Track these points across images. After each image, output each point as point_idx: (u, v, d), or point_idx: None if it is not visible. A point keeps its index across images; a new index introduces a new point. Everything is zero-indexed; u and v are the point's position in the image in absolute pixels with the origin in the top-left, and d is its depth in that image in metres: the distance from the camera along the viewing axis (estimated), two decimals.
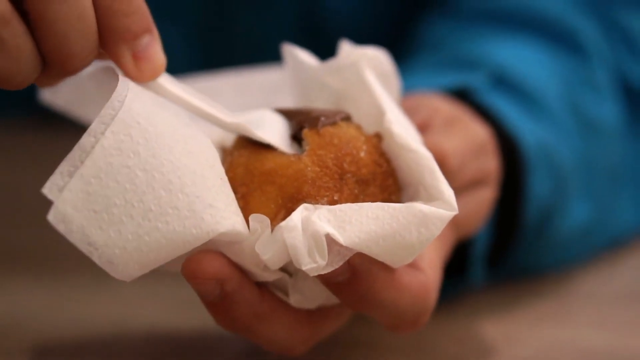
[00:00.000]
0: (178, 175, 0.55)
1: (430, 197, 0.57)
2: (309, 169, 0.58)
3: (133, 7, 0.55)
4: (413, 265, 0.59)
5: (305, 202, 0.57)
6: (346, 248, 0.55)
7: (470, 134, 0.70)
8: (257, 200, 0.58)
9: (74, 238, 0.54)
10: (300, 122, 0.60)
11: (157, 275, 0.79)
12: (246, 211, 0.58)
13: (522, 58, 0.82)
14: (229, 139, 0.63)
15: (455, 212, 0.56)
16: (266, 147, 0.59)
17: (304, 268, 0.54)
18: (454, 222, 0.65)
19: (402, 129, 0.59)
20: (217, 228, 0.55)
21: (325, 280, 0.57)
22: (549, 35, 0.85)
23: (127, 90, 0.55)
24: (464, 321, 0.75)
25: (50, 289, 0.78)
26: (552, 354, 0.72)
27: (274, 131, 0.60)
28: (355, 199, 0.58)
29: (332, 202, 0.57)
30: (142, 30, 0.56)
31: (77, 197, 0.53)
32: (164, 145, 0.55)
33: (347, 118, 0.61)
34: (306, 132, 0.59)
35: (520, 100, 0.79)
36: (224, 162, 0.61)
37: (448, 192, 0.56)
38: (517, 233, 0.76)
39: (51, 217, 0.53)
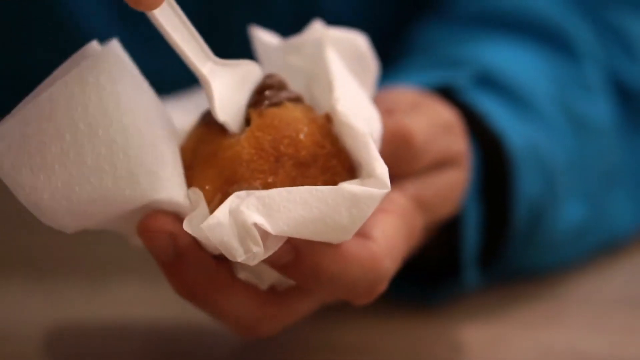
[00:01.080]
0: (125, 136, 0.55)
1: (367, 175, 0.57)
2: (245, 151, 0.58)
3: None
4: (362, 235, 0.59)
5: (240, 184, 0.57)
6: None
7: (436, 114, 0.69)
8: (198, 184, 0.59)
9: (3, 174, 0.54)
10: (255, 94, 0.60)
11: (154, 276, 0.79)
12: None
13: (511, 58, 0.82)
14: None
15: (386, 189, 0.55)
16: (215, 127, 0.60)
17: (239, 260, 0.54)
18: (421, 203, 0.65)
19: (347, 107, 0.59)
20: (153, 194, 0.56)
21: (271, 263, 0.57)
22: (540, 36, 0.84)
23: (104, 50, 0.56)
24: (458, 325, 0.75)
25: (47, 291, 0.78)
26: (547, 358, 0.72)
27: (234, 98, 0.60)
28: (292, 182, 0.58)
29: (266, 185, 0.57)
30: None
31: (12, 137, 0.54)
32: (120, 107, 0.55)
33: (297, 99, 0.61)
34: (250, 112, 0.60)
35: (508, 100, 0.79)
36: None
37: (380, 170, 0.56)
38: (508, 233, 0.76)
39: None
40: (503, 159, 0.75)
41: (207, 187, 0.58)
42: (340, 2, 0.97)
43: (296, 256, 0.57)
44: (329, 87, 0.60)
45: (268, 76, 0.61)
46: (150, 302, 0.77)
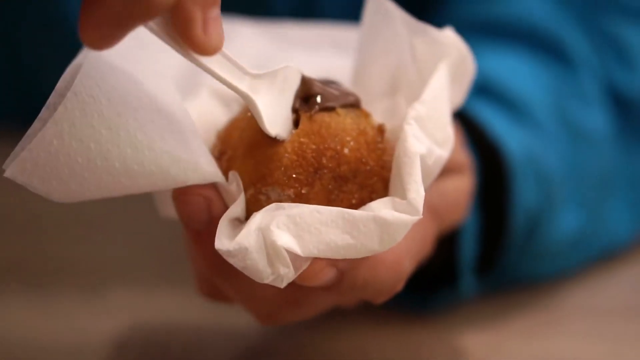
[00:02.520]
0: (144, 131, 0.55)
1: (403, 195, 0.56)
2: (287, 155, 0.57)
3: None
4: None
5: (274, 187, 0.57)
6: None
7: None
8: (236, 169, 0.58)
9: (34, 188, 0.55)
10: (302, 97, 0.59)
11: (151, 285, 0.79)
12: (226, 175, 0.58)
13: (508, 67, 0.82)
14: None
15: (419, 216, 0.55)
16: None
17: (266, 281, 0.54)
18: (432, 210, 0.65)
19: (418, 120, 0.58)
20: (186, 180, 0.56)
21: (314, 284, 0.57)
22: (536, 45, 0.85)
23: (84, 58, 0.55)
24: (456, 333, 0.75)
25: (43, 303, 0.78)
26: None
27: (280, 107, 0.59)
28: (327, 195, 0.57)
29: (299, 195, 0.57)
30: (217, 1, 0.52)
31: (37, 156, 0.54)
32: (129, 104, 0.55)
33: (352, 104, 0.60)
34: (301, 114, 0.58)
35: (505, 109, 0.79)
36: (240, 112, 0.61)
37: (413, 195, 0.55)
38: (505, 241, 0.76)
39: (8, 173, 0.54)
40: (501, 167, 0.76)
41: (243, 177, 0.58)
42: (339, 5, 0.97)
43: (339, 276, 0.57)
44: (418, 92, 0.60)
45: (324, 82, 0.60)
46: (145, 312, 0.77)
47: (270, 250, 0.54)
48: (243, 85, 0.57)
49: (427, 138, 0.58)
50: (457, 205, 0.69)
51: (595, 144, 0.83)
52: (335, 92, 0.60)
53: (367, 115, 0.60)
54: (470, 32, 0.86)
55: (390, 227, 0.55)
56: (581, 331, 0.76)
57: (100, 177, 0.55)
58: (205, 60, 0.55)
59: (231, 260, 0.54)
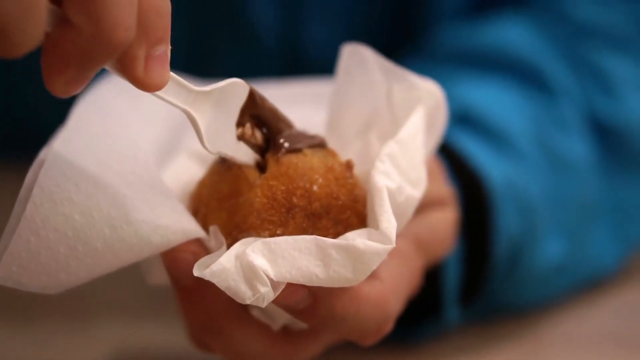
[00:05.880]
0: (118, 207, 0.56)
1: (376, 226, 0.57)
2: (258, 200, 0.58)
3: (166, 9, 0.52)
4: (370, 275, 0.58)
5: (249, 233, 0.58)
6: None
7: None
8: (212, 223, 0.59)
9: (26, 287, 0.55)
10: (250, 113, 0.60)
11: (136, 315, 0.79)
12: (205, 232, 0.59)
13: (489, 97, 0.83)
14: None
15: (391, 245, 0.55)
16: (233, 166, 0.60)
17: (248, 302, 0.54)
18: (419, 244, 0.66)
19: (390, 158, 0.59)
20: (168, 244, 0.57)
21: (289, 309, 0.57)
22: (517, 74, 0.85)
23: (49, 149, 0.56)
24: None
25: (29, 332, 0.78)
26: None
27: (224, 118, 0.59)
28: (302, 233, 0.58)
29: (274, 236, 0.57)
30: (163, 38, 0.52)
31: (19, 257, 0.54)
32: (99, 184, 0.56)
33: (319, 145, 0.61)
34: (269, 157, 0.59)
35: (486, 138, 0.79)
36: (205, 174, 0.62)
37: (386, 224, 0.56)
38: (489, 270, 0.77)
39: None
40: (483, 196, 0.76)
41: (219, 229, 0.59)
42: (324, 38, 0.98)
43: (314, 301, 0.57)
44: (391, 136, 0.60)
45: (288, 125, 0.61)
46: (132, 343, 0.77)
47: (247, 271, 0.55)
48: (180, 101, 0.56)
49: (399, 176, 0.59)
50: (443, 238, 0.69)
51: (577, 172, 0.83)
52: (300, 135, 0.60)
53: (334, 154, 0.61)
54: (453, 61, 0.87)
55: (363, 256, 0.55)
56: None
57: (86, 262, 0.55)
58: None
59: (215, 280, 0.54)
